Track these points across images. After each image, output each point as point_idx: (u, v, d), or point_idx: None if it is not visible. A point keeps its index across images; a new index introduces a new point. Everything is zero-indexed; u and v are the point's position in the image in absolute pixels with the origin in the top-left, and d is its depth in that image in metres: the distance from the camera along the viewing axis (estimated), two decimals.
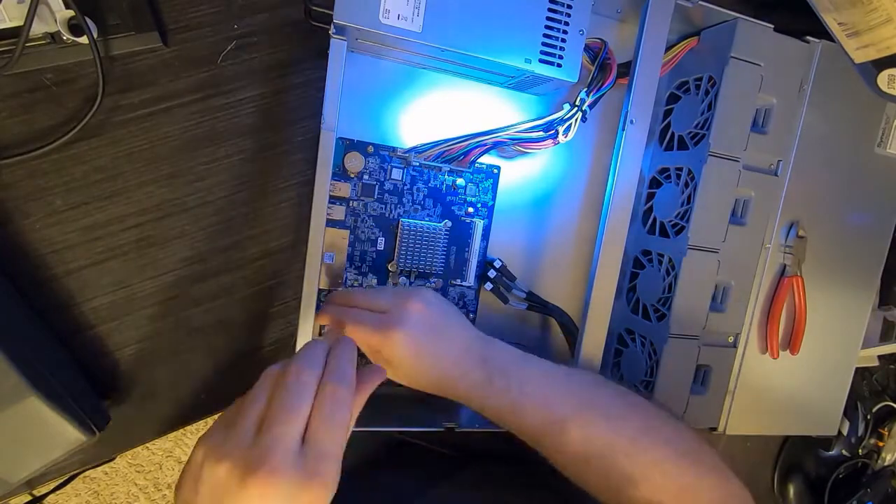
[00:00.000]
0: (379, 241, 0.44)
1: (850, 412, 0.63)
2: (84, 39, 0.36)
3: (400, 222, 0.44)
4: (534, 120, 0.43)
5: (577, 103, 0.43)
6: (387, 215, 0.44)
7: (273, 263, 0.45)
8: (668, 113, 0.48)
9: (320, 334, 0.44)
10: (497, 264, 0.47)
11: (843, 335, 0.53)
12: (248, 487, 0.24)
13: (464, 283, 0.47)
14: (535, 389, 0.36)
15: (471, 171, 0.46)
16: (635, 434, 0.35)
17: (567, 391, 0.36)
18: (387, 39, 0.36)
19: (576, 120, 0.43)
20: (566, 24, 0.38)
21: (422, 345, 0.36)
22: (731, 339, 0.48)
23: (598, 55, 0.42)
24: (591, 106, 0.43)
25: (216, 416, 0.45)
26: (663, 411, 0.37)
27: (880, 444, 0.64)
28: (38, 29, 0.35)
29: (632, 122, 0.42)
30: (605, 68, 0.43)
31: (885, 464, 0.64)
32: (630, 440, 0.34)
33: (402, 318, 0.36)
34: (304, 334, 0.38)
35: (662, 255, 0.46)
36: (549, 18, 0.37)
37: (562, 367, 0.38)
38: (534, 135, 0.43)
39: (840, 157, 0.49)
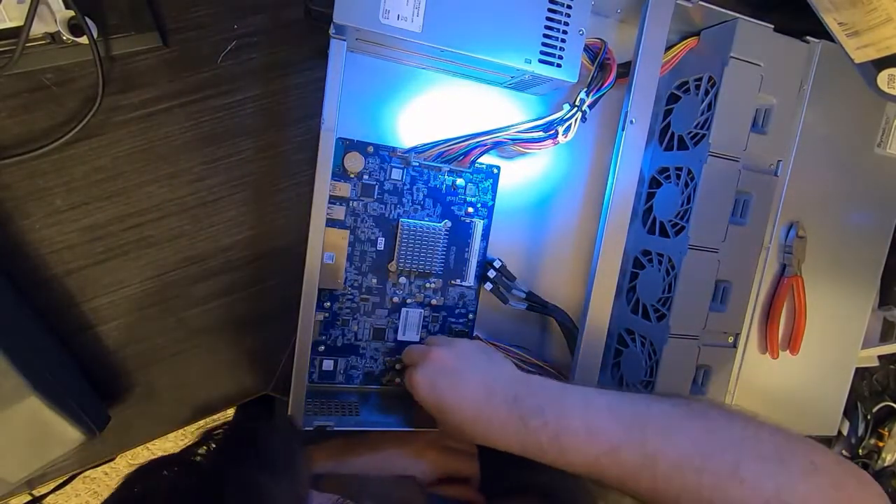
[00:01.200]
0: (379, 241, 0.44)
1: (850, 412, 0.63)
2: (84, 39, 0.36)
3: (400, 222, 0.44)
4: (534, 120, 0.43)
5: (577, 103, 0.43)
6: (387, 215, 0.44)
7: (273, 263, 0.45)
8: (668, 113, 0.48)
9: (320, 333, 0.44)
10: (497, 264, 0.47)
11: (843, 335, 0.53)
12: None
13: (463, 283, 0.47)
14: (576, 422, 0.33)
15: (471, 171, 0.46)
16: (701, 444, 0.31)
17: (613, 416, 0.33)
18: (387, 39, 0.36)
19: (576, 120, 0.43)
20: (566, 24, 0.38)
21: (438, 389, 0.37)
22: (731, 339, 0.48)
23: (598, 55, 0.42)
24: (591, 106, 0.43)
25: (216, 417, 0.45)
26: (725, 411, 0.34)
27: (880, 444, 0.64)
28: (38, 29, 0.35)
29: (632, 122, 0.42)
30: (604, 68, 0.43)
31: (885, 464, 0.64)
32: (697, 453, 0.31)
33: (419, 364, 0.39)
34: (304, 334, 0.38)
35: (662, 255, 0.46)
36: (548, 18, 0.37)
37: (607, 392, 0.35)
38: (534, 135, 0.43)
39: (840, 157, 0.49)
